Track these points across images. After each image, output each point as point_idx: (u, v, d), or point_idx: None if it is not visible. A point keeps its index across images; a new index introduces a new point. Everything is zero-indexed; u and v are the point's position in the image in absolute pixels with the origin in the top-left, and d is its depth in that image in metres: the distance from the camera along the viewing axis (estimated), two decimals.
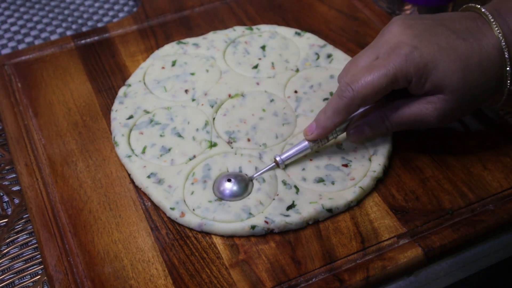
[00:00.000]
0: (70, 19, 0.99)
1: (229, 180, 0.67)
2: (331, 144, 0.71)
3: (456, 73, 0.62)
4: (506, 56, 0.62)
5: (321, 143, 0.68)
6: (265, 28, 0.87)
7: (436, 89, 0.63)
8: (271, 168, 0.69)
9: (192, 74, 0.80)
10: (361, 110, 0.68)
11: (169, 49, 0.84)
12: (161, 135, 0.73)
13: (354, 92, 0.63)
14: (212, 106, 0.76)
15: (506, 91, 0.65)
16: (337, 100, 0.64)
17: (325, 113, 0.66)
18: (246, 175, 0.68)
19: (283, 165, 0.69)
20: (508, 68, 0.63)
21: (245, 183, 0.67)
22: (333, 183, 0.67)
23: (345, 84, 0.63)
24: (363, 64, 0.65)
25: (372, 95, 0.63)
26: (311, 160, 0.70)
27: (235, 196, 0.66)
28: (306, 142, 0.68)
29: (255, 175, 0.68)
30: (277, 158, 0.68)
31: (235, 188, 0.67)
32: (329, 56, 0.82)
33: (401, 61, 0.62)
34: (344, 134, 0.70)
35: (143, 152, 0.71)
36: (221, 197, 0.67)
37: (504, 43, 0.62)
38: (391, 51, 0.63)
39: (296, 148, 0.68)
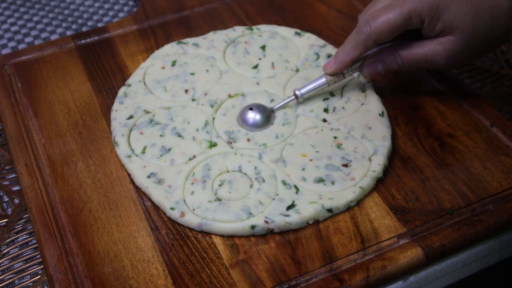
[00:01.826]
0: (70, 19, 0.99)
1: (251, 109, 0.72)
2: (331, 144, 0.71)
3: (466, 15, 0.66)
4: None
5: (337, 79, 0.74)
6: (265, 28, 0.87)
7: (446, 30, 0.67)
8: (291, 101, 0.74)
9: (192, 74, 0.80)
10: (375, 49, 0.72)
11: (169, 49, 0.84)
12: (161, 135, 0.73)
13: (371, 29, 0.68)
14: (212, 106, 0.76)
15: None
16: (355, 36, 0.70)
17: (343, 48, 0.72)
18: (267, 107, 0.74)
19: (302, 98, 0.74)
20: None
21: (267, 114, 0.73)
22: (333, 183, 0.67)
23: (364, 21, 0.69)
24: (381, 5, 0.70)
25: (388, 32, 0.68)
26: (311, 160, 0.70)
27: (258, 126, 0.72)
28: (324, 78, 0.74)
29: (275, 106, 0.74)
30: (297, 92, 0.73)
31: (257, 117, 0.72)
32: (329, 56, 0.82)
33: (416, 1, 0.67)
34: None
35: (143, 152, 0.71)
36: (245, 127, 0.72)
37: None
38: None
39: (315, 84, 0.74)
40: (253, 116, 0.72)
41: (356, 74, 0.79)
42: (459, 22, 0.66)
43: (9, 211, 0.72)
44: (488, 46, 0.70)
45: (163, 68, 0.81)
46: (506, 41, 0.70)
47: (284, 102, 0.74)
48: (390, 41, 0.72)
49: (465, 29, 0.67)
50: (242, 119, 0.73)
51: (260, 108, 0.73)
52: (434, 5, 0.66)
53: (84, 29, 0.97)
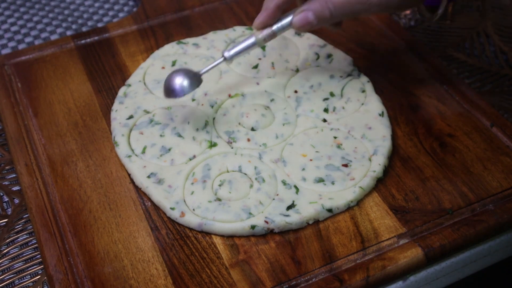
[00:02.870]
0: (70, 19, 0.99)
1: (177, 75, 0.69)
2: (331, 144, 0.71)
3: None
4: None
5: (267, 36, 0.70)
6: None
7: None
8: (220, 63, 0.71)
9: None
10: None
11: (169, 49, 0.84)
12: (161, 135, 0.73)
13: None
14: (212, 106, 0.76)
15: None
16: None
17: None
18: (194, 71, 0.70)
19: (231, 60, 0.70)
20: None
21: (195, 78, 0.69)
22: (333, 183, 0.67)
23: None
24: None
25: None
26: (311, 160, 0.70)
27: (185, 90, 0.68)
28: (253, 37, 0.70)
29: (203, 71, 0.70)
30: (225, 53, 0.70)
31: (185, 82, 0.68)
32: (329, 56, 0.82)
33: None
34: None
35: (143, 152, 0.71)
36: (172, 94, 0.69)
37: None
38: None
39: (244, 44, 0.70)
40: (180, 82, 0.68)
41: (356, 74, 0.79)
42: None
43: (9, 211, 0.72)
44: None
45: (163, 68, 0.81)
46: None
47: (212, 65, 0.70)
48: None
49: None
50: (168, 85, 0.69)
51: (188, 73, 0.69)
52: None
53: (84, 29, 0.97)
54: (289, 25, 0.69)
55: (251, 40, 0.70)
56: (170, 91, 0.69)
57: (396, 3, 0.66)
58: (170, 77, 0.69)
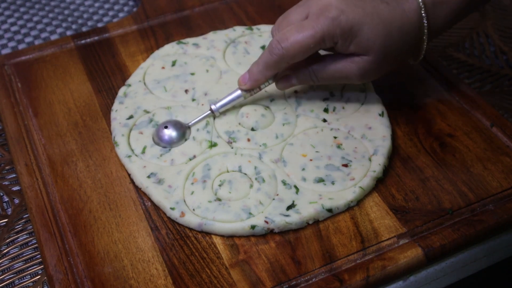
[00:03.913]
0: (70, 19, 0.99)
1: (166, 127, 0.72)
2: (331, 144, 0.71)
3: (379, 37, 0.66)
4: (425, 21, 0.68)
5: (253, 92, 0.73)
6: (265, 28, 0.87)
7: (360, 51, 0.68)
8: (207, 116, 0.74)
9: (192, 74, 0.80)
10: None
11: (169, 49, 0.84)
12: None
13: (284, 51, 0.67)
14: None
15: (423, 51, 0.71)
16: (268, 56, 0.69)
17: (257, 66, 0.71)
18: (183, 123, 0.74)
19: (218, 113, 0.73)
20: (425, 31, 0.68)
21: (182, 130, 0.72)
22: (333, 183, 0.67)
23: (276, 41, 0.68)
24: (293, 21, 0.69)
25: (300, 53, 0.67)
26: (311, 160, 0.70)
27: (173, 142, 0.71)
28: (239, 91, 0.73)
29: (191, 123, 0.73)
30: (212, 106, 0.73)
31: (173, 134, 0.72)
32: None
33: (329, 24, 0.66)
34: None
35: (143, 152, 0.71)
36: (161, 144, 0.72)
37: (423, 7, 0.67)
38: (320, 13, 0.67)
39: (230, 97, 0.73)
40: (169, 133, 0.72)
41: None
42: (371, 44, 0.66)
43: (9, 211, 0.72)
44: (401, 59, 0.71)
45: (163, 68, 0.81)
46: (416, 51, 0.71)
47: (199, 118, 0.73)
48: None
49: (377, 50, 0.67)
50: (157, 137, 0.72)
51: (177, 125, 0.73)
52: (347, 28, 0.66)
53: (84, 29, 0.97)
54: (273, 81, 0.73)
55: (237, 93, 0.73)
56: (159, 142, 0.72)
57: (376, 76, 0.72)
58: (159, 128, 0.73)
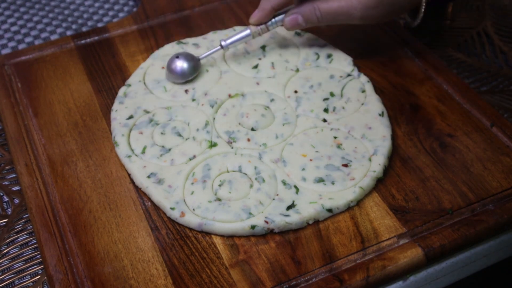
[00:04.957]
0: (70, 19, 0.99)
1: (177, 57, 0.77)
2: (331, 144, 0.71)
3: None
4: None
5: (261, 31, 0.78)
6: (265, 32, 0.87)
7: None
8: (217, 51, 0.79)
9: None
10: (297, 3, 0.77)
11: (169, 49, 0.84)
12: (161, 133, 0.73)
13: None
14: (212, 106, 0.76)
15: (423, 6, 0.74)
16: None
17: None
18: (195, 55, 0.79)
19: (227, 48, 0.79)
20: None
21: (194, 62, 0.77)
22: (333, 183, 0.67)
23: None
24: None
25: None
26: (311, 160, 0.70)
27: (185, 74, 0.77)
28: (249, 29, 0.78)
29: (202, 56, 0.78)
30: (222, 42, 0.78)
31: (185, 65, 0.77)
32: (329, 56, 0.82)
33: None
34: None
35: (143, 152, 0.71)
36: (172, 77, 0.77)
37: None
38: None
39: (240, 35, 0.78)
40: (181, 65, 0.77)
41: (356, 74, 0.79)
42: None
43: (9, 211, 0.72)
44: (400, 6, 0.74)
45: (163, 68, 0.81)
46: (417, 3, 0.75)
47: (210, 52, 0.79)
48: None
49: None
50: (169, 68, 0.77)
51: (188, 56, 0.78)
52: None
53: (84, 29, 0.97)
54: (281, 23, 0.78)
55: (247, 31, 0.78)
56: (172, 75, 0.77)
57: (376, 17, 0.75)
58: (172, 60, 0.78)
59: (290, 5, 0.78)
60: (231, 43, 0.78)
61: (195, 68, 0.78)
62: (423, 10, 0.74)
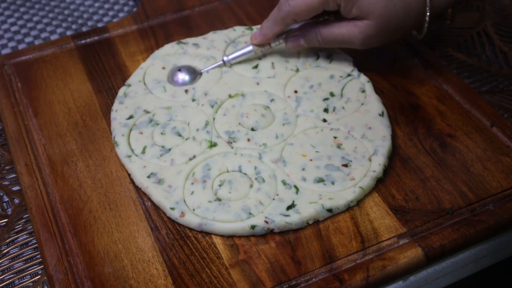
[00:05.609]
0: (70, 19, 0.99)
1: (179, 70, 0.79)
2: (331, 144, 0.71)
3: (380, 2, 0.71)
4: None
5: (264, 49, 0.80)
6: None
7: (362, 15, 0.72)
8: (219, 66, 0.80)
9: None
10: (297, 25, 0.78)
11: (169, 49, 0.84)
12: (161, 133, 0.73)
13: (290, 7, 0.74)
14: (212, 106, 0.76)
15: (425, 26, 0.74)
16: (276, 12, 0.76)
17: (266, 22, 0.77)
18: (196, 69, 0.80)
19: (229, 64, 0.80)
20: (428, 6, 0.72)
21: (194, 75, 0.79)
22: (333, 183, 0.67)
23: (285, 0, 0.74)
24: None
25: (305, 12, 0.74)
26: (311, 160, 0.70)
27: (186, 84, 0.79)
28: (251, 46, 0.80)
29: (204, 70, 0.80)
30: (224, 58, 0.80)
31: (186, 78, 0.79)
32: (329, 56, 0.82)
33: None
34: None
35: (143, 152, 0.71)
36: (174, 84, 0.79)
37: None
38: None
39: (242, 51, 0.80)
40: (183, 77, 0.79)
41: (356, 74, 0.80)
42: (373, 9, 0.71)
43: (9, 211, 0.72)
44: (402, 30, 0.75)
45: (163, 68, 0.81)
46: (419, 26, 0.75)
47: (212, 66, 0.80)
48: (313, 17, 0.76)
49: (379, 15, 0.71)
50: (171, 81, 0.79)
51: (190, 70, 0.80)
52: None
53: (84, 29, 0.97)
54: (283, 41, 0.79)
55: (249, 48, 0.80)
56: (172, 83, 0.79)
57: (377, 43, 0.75)
58: (174, 73, 0.80)
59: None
60: (233, 58, 0.80)
61: (195, 78, 0.80)
62: (426, 25, 0.74)
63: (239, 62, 0.81)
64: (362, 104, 0.76)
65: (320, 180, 0.68)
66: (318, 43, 0.77)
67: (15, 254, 0.67)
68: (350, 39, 0.74)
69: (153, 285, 0.61)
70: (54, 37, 0.96)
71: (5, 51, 0.93)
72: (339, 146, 0.71)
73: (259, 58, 0.82)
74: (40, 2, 1.03)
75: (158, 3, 0.94)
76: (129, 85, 0.80)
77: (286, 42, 0.79)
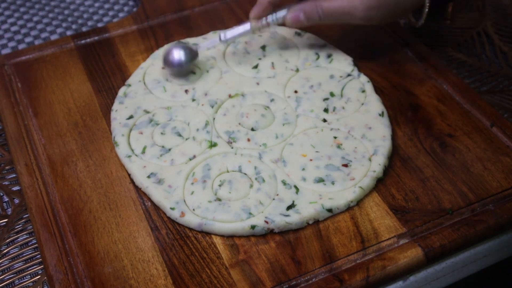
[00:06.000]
0: (70, 19, 0.99)
1: (175, 48, 0.77)
2: (331, 144, 0.71)
3: None
4: None
5: (262, 26, 0.78)
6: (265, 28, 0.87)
7: None
8: (215, 44, 0.79)
9: (193, 73, 0.80)
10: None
11: None
12: (161, 133, 0.73)
13: None
14: (212, 106, 0.76)
15: (426, 11, 0.74)
16: None
17: None
18: (193, 47, 0.79)
19: (226, 42, 0.79)
20: None
21: (191, 53, 0.77)
22: (333, 183, 0.67)
23: None
24: None
25: None
26: (311, 160, 0.70)
27: (182, 63, 0.77)
28: (249, 24, 0.78)
29: (201, 47, 0.79)
30: (221, 35, 0.78)
31: (182, 56, 0.77)
32: (329, 56, 0.82)
33: None
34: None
35: (143, 152, 0.71)
36: (168, 68, 0.78)
37: None
38: None
39: (239, 29, 0.78)
40: (179, 56, 0.77)
41: (356, 74, 0.79)
42: None
43: (9, 211, 0.72)
44: (403, 5, 0.74)
45: (163, 68, 0.81)
46: (420, 5, 0.74)
47: (208, 43, 0.79)
48: None
49: None
50: (168, 59, 0.77)
51: (185, 48, 0.78)
52: None
53: (84, 29, 0.97)
54: (282, 20, 0.77)
55: (246, 26, 0.78)
56: (169, 62, 0.77)
57: (378, 18, 0.74)
58: (169, 50, 0.78)
59: (288, 1, 0.78)
60: (231, 37, 0.78)
61: (193, 56, 0.78)
62: (426, 10, 0.73)
63: (239, 62, 0.81)
64: (362, 104, 0.76)
65: (320, 180, 0.68)
66: (318, 17, 0.75)
67: (15, 254, 0.67)
68: (351, 11, 0.73)
69: (153, 285, 0.61)
70: (54, 37, 0.96)
71: (5, 51, 0.93)
72: (339, 146, 0.71)
73: (259, 58, 0.82)
74: (40, 2, 1.03)
75: (158, 3, 0.94)
76: (129, 85, 0.80)
77: (286, 18, 0.77)
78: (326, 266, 0.61)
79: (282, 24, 0.78)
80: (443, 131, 0.74)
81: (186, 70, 0.78)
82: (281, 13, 0.77)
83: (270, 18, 0.77)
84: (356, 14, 0.73)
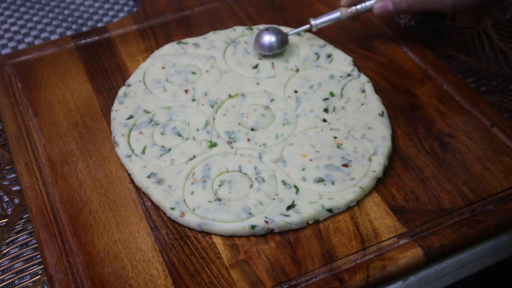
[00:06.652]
0: (70, 19, 0.99)
1: (267, 30, 0.80)
2: (331, 144, 0.71)
3: None
4: None
5: (351, 14, 0.80)
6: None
7: None
8: (305, 29, 0.81)
9: (193, 73, 0.80)
10: None
11: (169, 49, 0.84)
12: (161, 133, 0.73)
13: None
14: (212, 106, 0.76)
15: None
16: None
17: None
18: (282, 31, 0.81)
19: (316, 28, 0.81)
20: None
21: (281, 36, 0.80)
22: (333, 183, 0.67)
23: None
24: None
25: None
26: (311, 160, 0.70)
27: (273, 48, 0.80)
28: (339, 12, 0.80)
29: (290, 32, 0.81)
30: (312, 22, 0.80)
31: (273, 38, 0.79)
32: (329, 56, 0.82)
33: None
34: None
35: (143, 152, 0.71)
36: (260, 49, 0.80)
37: None
38: None
39: (330, 16, 0.81)
40: (269, 38, 0.79)
41: (356, 74, 0.80)
42: None
43: (9, 211, 0.72)
44: None
45: (163, 68, 0.81)
46: None
47: (298, 30, 0.81)
48: None
49: None
50: (258, 41, 0.80)
51: (275, 30, 0.80)
52: None
53: (84, 29, 0.97)
54: (370, 8, 0.80)
55: (337, 13, 0.80)
56: (260, 47, 0.80)
57: (468, 6, 0.73)
58: (261, 33, 0.80)
59: None
60: (321, 23, 0.80)
61: (282, 43, 0.80)
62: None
63: (239, 62, 0.81)
64: (362, 104, 0.76)
65: (320, 180, 0.68)
66: (407, 6, 0.76)
67: (15, 254, 0.67)
68: None
69: (153, 285, 0.61)
70: (54, 37, 0.96)
71: (5, 51, 0.93)
72: (339, 146, 0.71)
73: (259, 58, 0.82)
74: (40, 2, 1.03)
75: (158, 3, 0.94)
76: (129, 85, 0.80)
77: (374, 7, 0.78)
78: (326, 266, 0.61)
79: (369, 11, 0.81)
80: (443, 131, 0.74)
81: (275, 51, 0.81)
82: (370, 2, 0.79)
83: (359, 6, 0.79)
84: (446, 1, 0.73)
